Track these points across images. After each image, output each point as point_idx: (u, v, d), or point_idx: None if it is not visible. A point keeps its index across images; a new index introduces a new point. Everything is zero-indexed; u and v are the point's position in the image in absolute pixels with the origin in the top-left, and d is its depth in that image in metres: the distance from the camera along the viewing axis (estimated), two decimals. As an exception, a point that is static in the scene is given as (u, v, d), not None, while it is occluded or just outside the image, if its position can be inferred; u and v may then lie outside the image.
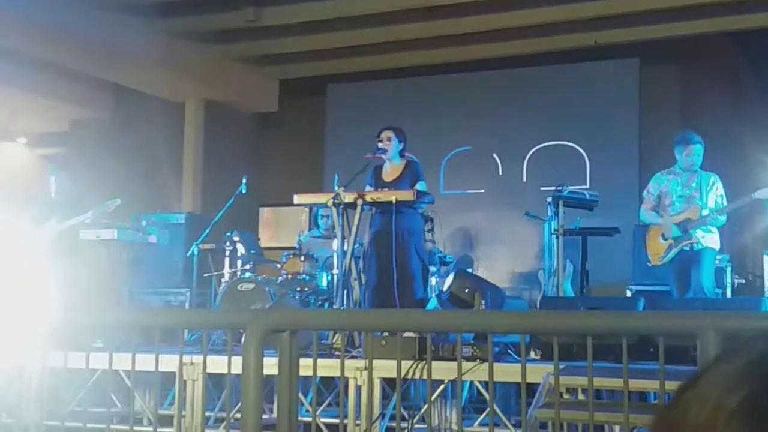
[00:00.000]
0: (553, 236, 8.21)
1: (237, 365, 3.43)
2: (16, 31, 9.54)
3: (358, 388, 5.90)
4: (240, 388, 3.44)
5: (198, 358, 6.13)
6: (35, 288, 8.47)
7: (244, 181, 8.69)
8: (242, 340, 3.43)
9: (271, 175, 12.38)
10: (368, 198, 7.20)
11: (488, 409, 4.36)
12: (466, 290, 6.77)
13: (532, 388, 4.97)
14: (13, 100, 11.48)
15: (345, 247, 7.18)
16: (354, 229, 7.17)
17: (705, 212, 7.33)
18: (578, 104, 11.32)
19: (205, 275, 9.11)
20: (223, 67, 11.83)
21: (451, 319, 3.91)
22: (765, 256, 9.20)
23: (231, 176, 9.50)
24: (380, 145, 7.60)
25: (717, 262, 7.81)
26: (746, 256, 9.83)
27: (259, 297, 7.89)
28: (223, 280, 8.78)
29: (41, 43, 9.88)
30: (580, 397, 4.92)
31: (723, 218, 7.39)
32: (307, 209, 9.41)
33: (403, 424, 5.75)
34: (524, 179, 11.33)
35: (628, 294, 8.75)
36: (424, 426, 5.69)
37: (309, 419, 5.22)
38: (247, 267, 8.78)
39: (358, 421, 5.89)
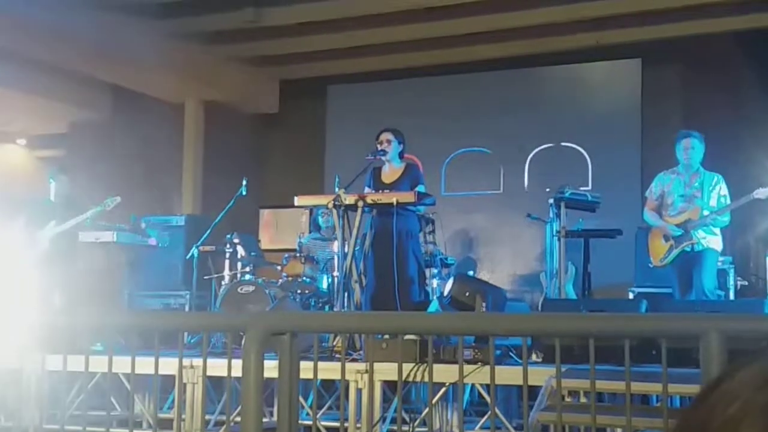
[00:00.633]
0: (555, 238, 8.19)
1: (237, 368, 3.41)
2: (15, 32, 9.52)
3: (359, 391, 5.88)
4: (240, 391, 3.41)
5: (198, 361, 6.10)
6: (34, 291, 8.46)
7: (244, 182, 8.67)
8: (242, 342, 3.40)
9: (271, 176, 12.36)
10: (369, 200, 7.18)
11: (489, 413, 4.33)
12: (467, 294, 6.74)
13: (533, 391, 4.94)
14: (12, 102, 11.46)
15: (345, 249, 7.16)
16: (355, 231, 7.15)
17: (706, 212, 7.31)
18: (580, 105, 11.30)
19: (205, 277, 9.09)
20: (223, 68, 11.80)
21: (452, 322, 3.88)
22: (768, 258, 9.18)
23: (231, 178, 9.47)
24: (379, 147, 7.59)
25: (719, 263, 7.78)
26: (749, 258, 9.81)
27: (259, 299, 7.87)
28: (223, 282, 8.76)
29: (40, 44, 9.86)
30: (582, 400, 4.90)
31: (726, 218, 7.36)
32: (307, 211, 9.38)
33: (404, 428, 5.73)
34: (526, 181, 11.31)
35: (631, 296, 8.72)
36: (426, 429, 5.67)
37: (309, 422, 5.21)
38: (248, 269, 8.76)
39: (358, 425, 5.86)
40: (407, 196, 7.20)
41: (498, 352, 6.03)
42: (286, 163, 12.56)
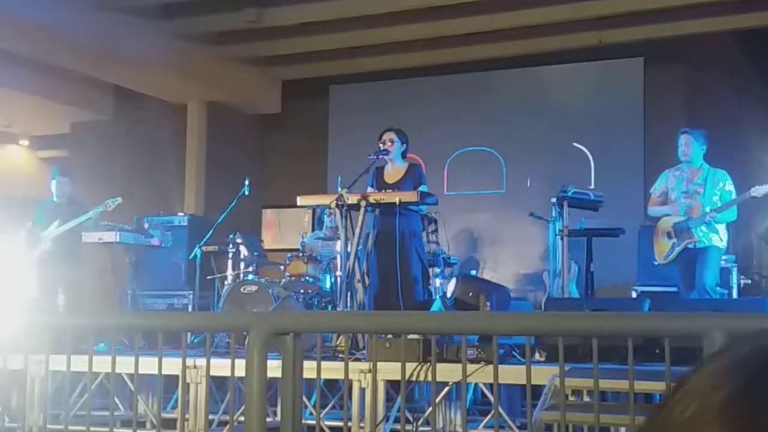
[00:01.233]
0: (558, 237, 8.19)
1: (240, 368, 3.41)
2: (17, 33, 9.52)
3: (362, 390, 5.87)
4: (243, 391, 3.41)
5: (201, 361, 6.10)
6: (37, 291, 8.47)
7: (246, 182, 8.67)
8: (245, 342, 3.40)
9: (273, 176, 12.36)
10: (372, 199, 7.18)
11: (493, 412, 4.33)
12: (470, 294, 6.74)
13: (537, 390, 4.93)
14: (14, 102, 11.47)
15: (348, 249, 7.16)
16: (357, 231, 7.15)
17: (707, 209, 7.31)
18: (583, 104, 11.29)
19: (208, 277, 9.09)
20: (225, 68, 11.80)
21: (455, 321, 3.88)
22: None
23: (233, 178, 9.48)
24: (382, 147, 7.59)
25: (723, 262, 7.78)
26: (752, 256, 9.80)
27: (262, 299, 7.87)
28: (226, 282, 8.76)
29: (42, 44, 9.86)
30: (586, 399, 4.89)
31: (731, 214, 7.36)
32: (310, 211, 9.38)
33: (408, 427, 5.72)
34: (528, 180, 11.29)
35: (634, 295, 8.71)
36: (429, 428, 5.67)
37: (313, 422, 5.21)
38: (250, 269, 8.76)
39: (362, 424, 5.86)
40: (410, 196, 7.19)
41: (501, 351, 6.02)
42: (289, 163, 12.56)
